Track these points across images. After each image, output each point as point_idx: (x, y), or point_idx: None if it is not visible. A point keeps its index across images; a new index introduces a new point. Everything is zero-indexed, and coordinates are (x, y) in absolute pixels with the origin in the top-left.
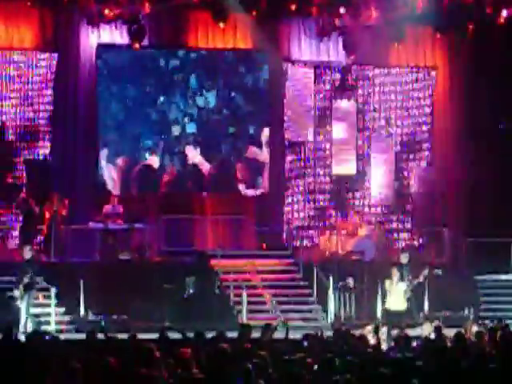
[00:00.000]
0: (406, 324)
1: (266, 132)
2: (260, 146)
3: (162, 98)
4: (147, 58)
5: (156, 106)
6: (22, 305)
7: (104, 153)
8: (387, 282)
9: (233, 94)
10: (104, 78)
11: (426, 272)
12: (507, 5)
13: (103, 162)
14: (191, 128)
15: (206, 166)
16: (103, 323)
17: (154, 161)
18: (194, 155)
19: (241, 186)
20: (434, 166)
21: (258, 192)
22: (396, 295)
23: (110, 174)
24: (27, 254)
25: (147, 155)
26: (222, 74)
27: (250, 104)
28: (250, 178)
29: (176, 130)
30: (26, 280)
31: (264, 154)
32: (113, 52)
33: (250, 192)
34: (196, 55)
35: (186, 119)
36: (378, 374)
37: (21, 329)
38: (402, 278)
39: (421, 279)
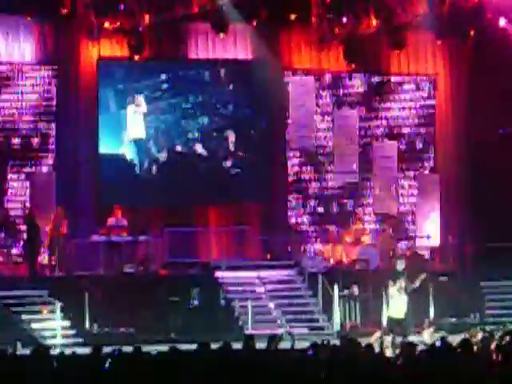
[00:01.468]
0: (407, 330)
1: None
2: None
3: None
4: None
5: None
6: None
7: None
8: (392, 289)
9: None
10: (104, 91)
11: (422, 277)
12: (507, 11)
13: None
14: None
15: None
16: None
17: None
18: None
19: None
20: (436, 172)
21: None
22: (399, 303)
23: None
24: None
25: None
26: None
27: (252, 113)
28: None
29: (179, 146)
30: None
31: None
32: (114, 65)
33: None
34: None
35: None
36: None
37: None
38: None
39: (416, 284)
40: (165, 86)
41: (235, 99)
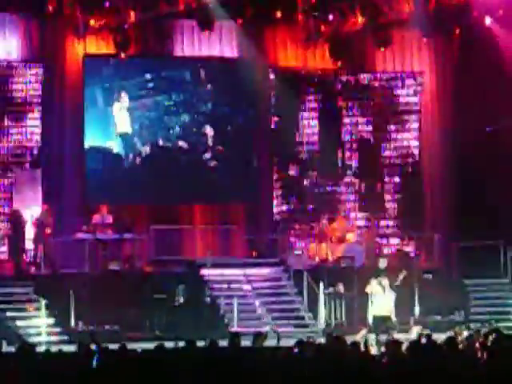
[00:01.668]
0: (392, 328)
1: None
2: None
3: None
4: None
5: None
6: None
7: None
8: (375, 287)
9: (219, 102)
10: (91, 88)
11: (402, 275)
12: (493, 9)
13: None
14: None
15: None
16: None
17: None
18: None
19: None
20: (422, 170)
21: None
22: (384, 301)
23: None
24: None
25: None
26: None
27: (236, 111)
28: None
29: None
30: None
31: None
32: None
33: None
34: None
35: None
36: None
37: None
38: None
39: (398, 282)
40: (150, 85)
41: (215, 98)
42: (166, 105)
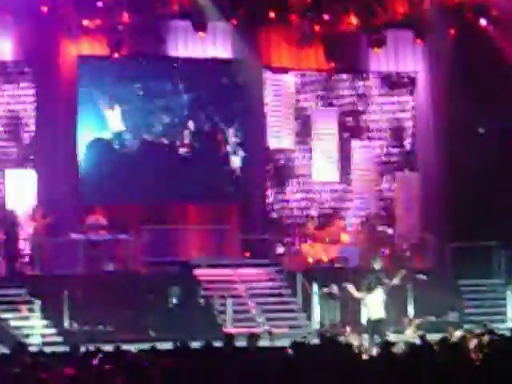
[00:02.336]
0: (385, 330)
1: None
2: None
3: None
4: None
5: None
6: None
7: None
8: (361, 293)
9: (211, 102)
10: (84, 89)
11: (401, 274)
12: (487, 10)
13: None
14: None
15: None
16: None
17: None
18: None
19: None
20: (416, 171)
21: None
22: (375, 303)
23: None
24: None
25: None
26: (201, 83)
27: (229, 112)
28: None
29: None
30: None
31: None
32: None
33: None
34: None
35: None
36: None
37: None
38: (376, 284)
39: (396, 281)
40: (140, 92)
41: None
42: (151, 109)
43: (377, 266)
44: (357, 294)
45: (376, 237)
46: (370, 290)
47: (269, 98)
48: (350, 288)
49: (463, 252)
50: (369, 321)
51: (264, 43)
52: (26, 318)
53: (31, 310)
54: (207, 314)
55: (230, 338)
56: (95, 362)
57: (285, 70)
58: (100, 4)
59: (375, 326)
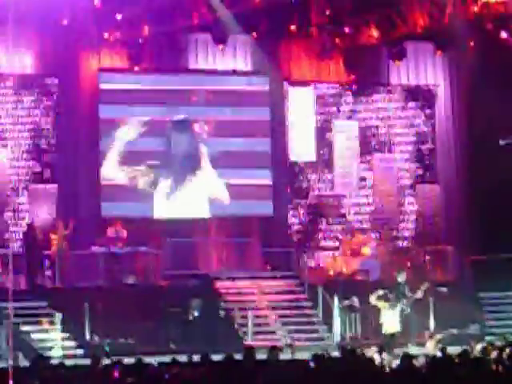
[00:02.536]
0: (398, 344)
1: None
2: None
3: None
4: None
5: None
6: None
7: None
8: (382, 304)
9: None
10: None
11: (424, 287)
12: (507, 22)
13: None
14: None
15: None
16: (107, 348)
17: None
18: None
19: None
20: (437, 184)
21: None
22: (391, 317)
23: None
24: None
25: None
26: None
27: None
28: None
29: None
30: None
31: None
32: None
33: None
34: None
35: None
36: None
37: None
38: (400, 297)
39: (419, 294)
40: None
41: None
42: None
43: (400, 279)
44: (373, 301)
45: (397, 250)
46: (386, 301)
47: (289, 111)
48: (371, 297)
49: (484, 265)
50: (385, 335)
51: (284, 56)
52: (47, 331)
53: (52, 323)
54: (228, 327)
55: (250, 350)
56: (116, 374)
57: (305, 83)
58: (120, 17)
59: (392, 340)
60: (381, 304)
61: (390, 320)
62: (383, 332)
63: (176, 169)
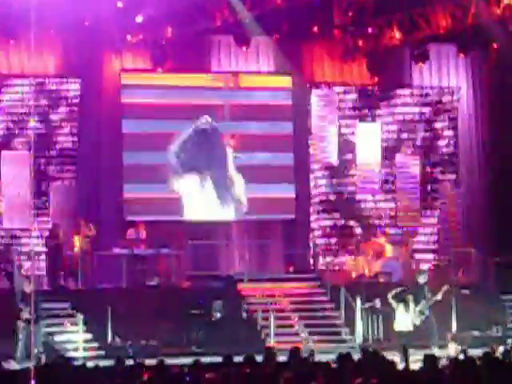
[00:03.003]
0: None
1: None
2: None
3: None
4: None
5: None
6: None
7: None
8: (401, 305)
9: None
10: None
11: (444, 289)
12: None
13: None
14: None
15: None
16: (130, 350)
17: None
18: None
19: None
20: (459, 185)
21: None
22: (402, 315)
23: None
24: (28, 287)
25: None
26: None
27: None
28: None
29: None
30: (26, 315)
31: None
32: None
33: None
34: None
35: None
36: None
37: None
38: (419, 299)
39: (439, 297)
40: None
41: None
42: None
43: (421, 280)
44: (390, 299)
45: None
46: (400, 301)
47: (312, 113)
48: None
49: (507, 267)
50: (399, 334)
51: (307, 58)
52: (69, 332)
53: (74, 324)
54: (250, 329)
55: (271, 352)
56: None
57: (328, 85)
58: (143, 18)
59: (404, 339)
60: (394, 303)
61: (402, 319)
62: (395, 330)
63: (202, 171)
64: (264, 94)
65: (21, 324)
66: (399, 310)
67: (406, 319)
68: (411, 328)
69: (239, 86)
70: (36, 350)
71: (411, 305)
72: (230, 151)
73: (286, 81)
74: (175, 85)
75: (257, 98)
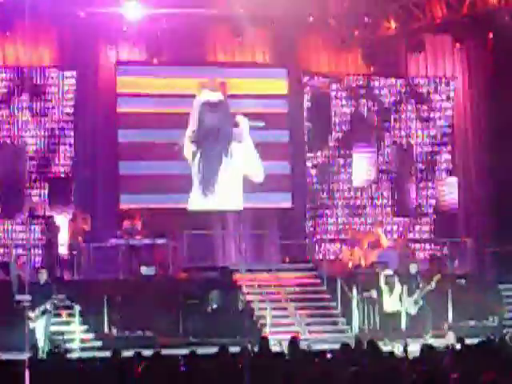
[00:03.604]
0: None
1: None
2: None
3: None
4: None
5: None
6: (39, 326)
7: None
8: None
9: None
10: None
11: (436, 278)
12: None
13: None
14: None
15: None
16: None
17: None
18: None
19: None
20: (456, 175)
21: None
22: (392, 297)
23: None
24: (43, 277)
25: None
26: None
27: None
28: None
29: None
30: (47, 306)
31: None
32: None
33: None
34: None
35: None
36: None
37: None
38: (412, 288)
39: (432, 286)
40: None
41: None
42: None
43: (413, 270)
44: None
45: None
46: (386, 284)
47: (308, 103)
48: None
49: (503, 256)
50: (385, 315)
51: (302, 48)
52: (66, 323)
53: (71, 315)
54: (246, 319)
55: (265, 341)
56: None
57: (323, 75)
58: (139, 9)
59: (392, 320)
60: (383, 285)
61: (389, 301)
62: (384, 311)
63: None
64: (252, 102)
65: (34, 315)
66: (384, 291)
67: (389, 301)
68: (399, 307)
69: (226, 93)
70: (43, 342)
71: (397, 287)
72: (245, 121)
73: (278, 87)
74: (169, 93)
75: (245, 106)
